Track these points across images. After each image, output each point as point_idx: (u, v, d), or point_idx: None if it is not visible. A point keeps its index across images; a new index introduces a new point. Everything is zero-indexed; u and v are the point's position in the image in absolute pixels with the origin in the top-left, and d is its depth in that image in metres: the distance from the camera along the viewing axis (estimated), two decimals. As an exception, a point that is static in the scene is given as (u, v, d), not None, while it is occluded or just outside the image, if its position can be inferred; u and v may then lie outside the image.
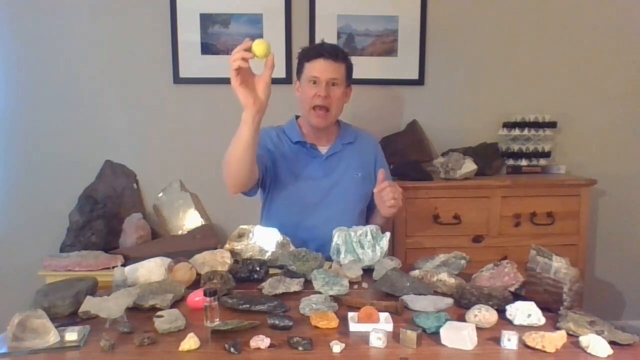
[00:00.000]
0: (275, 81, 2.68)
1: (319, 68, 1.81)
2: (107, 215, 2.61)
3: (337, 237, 1.63)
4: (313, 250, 1.59)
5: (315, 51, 1.84)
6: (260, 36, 2.64)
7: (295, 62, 2.62)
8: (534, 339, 1.10)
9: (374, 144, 2.05)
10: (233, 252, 1.62)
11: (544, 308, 1.26)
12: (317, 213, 1.86)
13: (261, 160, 1.79)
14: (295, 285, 1.42)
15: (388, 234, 1.65)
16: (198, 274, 1.51)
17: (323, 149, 1.93)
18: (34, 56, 2.63)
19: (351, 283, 1.47)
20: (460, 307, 1.31)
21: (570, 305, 1.26)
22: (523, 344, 1.11)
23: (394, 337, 1.14)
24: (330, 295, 1.37)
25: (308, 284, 1.46)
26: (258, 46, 1.41)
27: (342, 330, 1.18)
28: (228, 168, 1.65)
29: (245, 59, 1.42)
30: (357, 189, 1.90)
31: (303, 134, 1.93)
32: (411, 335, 1.10)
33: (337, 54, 1.84)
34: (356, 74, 2.68)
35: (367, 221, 1.96)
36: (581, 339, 1.11)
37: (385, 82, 2.73)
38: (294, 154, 1.90)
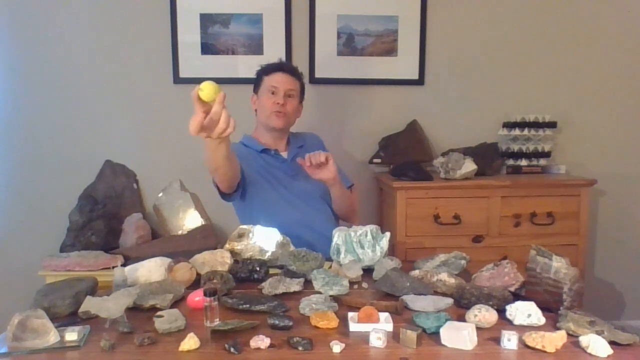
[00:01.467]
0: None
1: (278, 80, 1.98)
2: (107, 215, 2.61)
3: (337, 237, 1.63)
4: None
5: (275, 66, 2.02)
6: (260, 36, 2.65)
7: (294, 62, 2.65)
8: (534, 339, 1.10)
9: (318, 139, 2.20)
10: (233, 252, 1.62)
11: (544, 308, 1.26)
12: (295, 212, 1.93)
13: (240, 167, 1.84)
14: (295, 285, 1.42)
15: (388, 234, 1.65)
16: (198, 274, 1.51)
17: (284, 154, 2.06)
18: (34, 56, 2.63)
19: (351, 283, 1.47)
20: (460, 307, 1.31)
21: (570, 305, 1.26)
22: (523, 344, 1.11)
23: (394, 337, 1.14)
24: (330, 295, 1.37)
25: (308, 284, 1.46)
26: (202, 91, 1.25)
27: (342, 330, 1.18)
28: (215, 173, 1.71)
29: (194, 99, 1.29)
30: (320, 184, 1.97)
31: (262, 144, 2.04)
32: (411, 335, 1.10)
33: (294, 70, 2.04)
34: (356, 74, 2.72)
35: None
36: (581, 339, 1.11)
37: (385, 82, 2.73)
38: (262, 161, 2.00)
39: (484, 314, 1.20)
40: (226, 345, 1.09)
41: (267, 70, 2.02)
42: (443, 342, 1.12)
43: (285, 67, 2.02)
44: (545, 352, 1.08)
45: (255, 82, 2.05)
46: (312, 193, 1.98)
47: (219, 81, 2.73)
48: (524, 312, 1.22)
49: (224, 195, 1.88)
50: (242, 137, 2.09)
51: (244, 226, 1.67)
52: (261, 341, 1.10)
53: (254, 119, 2.08)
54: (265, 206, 1.94)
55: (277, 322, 1.18)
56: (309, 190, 1.98)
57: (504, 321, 1.22)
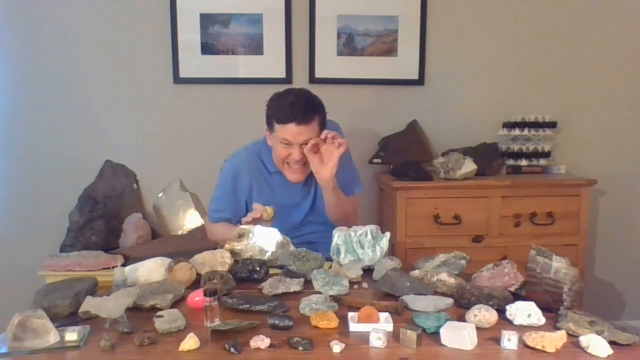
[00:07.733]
0: (274, 81, 2.72)
1: (291, 132, 1.71)
2: (107, 215, 2.61)
3: (337, 237, 1.63)
4: None
5: (285, 116, 1.70)
6: (260, 36, 2.65)
7: (295, 61, 2.67)
8: (534, 339, 1.10)
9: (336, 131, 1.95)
10: (233, 252, 1.62)
11: (544, 308, 1.26)
12: (300, 231, 1.90)
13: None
14: (295, 285, 1.42)
15: (388, 234, 1.65)
16: (198, 274, 1.51)
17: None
18: (34, 56, 2.63)
19: (351, 283, 1.47)
20: (460, 307, 1.31)
21: (570, 305, 1.26)
22: (523, 344, 1.11)
23: (394, 337, 1.14)
24: (330, 295, 1.37)
25: (308, 284, 1.46)
26: (270, 213, 1.77)
27: (342, 330, 1.18)
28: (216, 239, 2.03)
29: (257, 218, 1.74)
30: (323, 214, 1.91)
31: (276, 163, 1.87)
32: (411, 335, 1.10)
33: (308, 115, 1.71)
34: (356, 74, 2.72)
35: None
36: (581, 339, 1.11)
37: (385, 82, 2.73)
38: (270, 183, 1.90)
39: (484, 314, 1.20)
40: (226, 345, 1.09)
41: (279, 118, 1.72)
42: (443, 342, 1.12)
43: (297, 118, 1.69)
44: (545, 352, 1.08)
45: (267, 119, 1.78)
46: (320, 211, 1.89)
47: (219, 81, 2.76)
48: (524, 312, 1.22)
49: None
50: (263, 139, 1.89)
51: (244, 226, 1.67)
52: (261, 341, 1.10)
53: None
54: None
55: (277, 322, 1.18)
56: (317, 209, 1.89)
57: (504, 321, 1.22)
